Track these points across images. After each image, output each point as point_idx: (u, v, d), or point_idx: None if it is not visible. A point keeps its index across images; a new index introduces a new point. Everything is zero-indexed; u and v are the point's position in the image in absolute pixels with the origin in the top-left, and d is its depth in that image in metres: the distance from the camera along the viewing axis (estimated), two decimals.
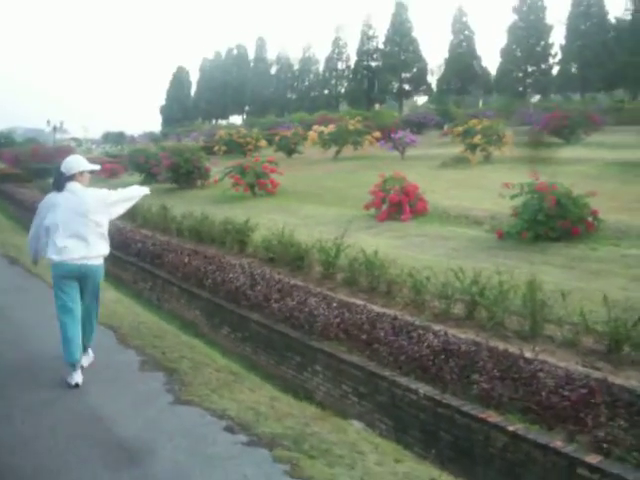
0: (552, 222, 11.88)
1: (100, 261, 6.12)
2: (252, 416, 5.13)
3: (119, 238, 14.49)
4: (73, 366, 5.85)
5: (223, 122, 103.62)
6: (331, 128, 31.28)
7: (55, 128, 41.16)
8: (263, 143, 38.02)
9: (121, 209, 6.61)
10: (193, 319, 10.38)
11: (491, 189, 18.36)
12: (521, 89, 70.07)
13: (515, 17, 69.98)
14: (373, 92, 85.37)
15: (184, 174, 24.14)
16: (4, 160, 47.11)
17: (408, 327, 7.42)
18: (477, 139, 23.30)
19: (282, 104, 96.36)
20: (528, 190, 12.45)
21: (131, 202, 6.79)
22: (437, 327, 7.56)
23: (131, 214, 18.80)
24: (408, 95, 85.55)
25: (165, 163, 24.63)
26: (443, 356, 6.49)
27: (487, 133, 23.69)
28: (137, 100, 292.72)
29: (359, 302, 8.93)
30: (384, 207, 15.24)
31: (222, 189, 22.28)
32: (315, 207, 17.75)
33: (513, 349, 6.54)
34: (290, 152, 32.95)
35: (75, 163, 6.16)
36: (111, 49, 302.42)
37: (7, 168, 41.17)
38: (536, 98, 69.60)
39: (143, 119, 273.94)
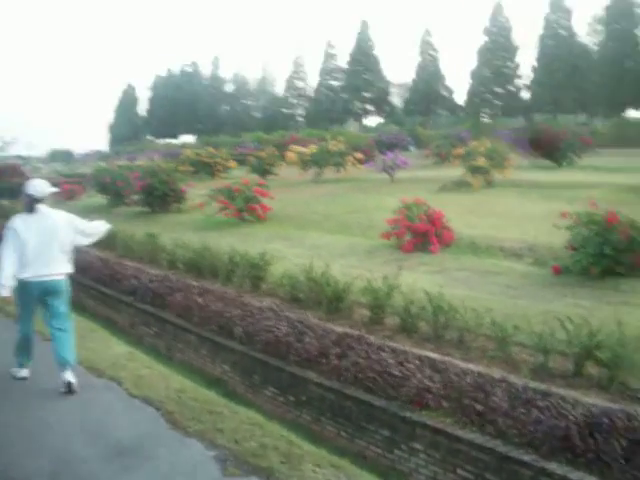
0: (620, 256, 10.66)
1: (64, 277, 6.74)
2: None
3: (105, 272, 12.93)
4: (25, 365, 6.89)
5: (174, 141, 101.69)
6: (312, 148, 29.96)
7: (6, 144, 38.80)
8: (232, 164, 36.63)
9: (85, 241, 7.20)
10: (220, 375, 8.80)
11: (509, 216, 17.33)
12: (487, 111, 70.15)
13: (485, 38, 70.17)
14: (334, 112, 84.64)
15: (159, 197, 22.41)
16: None
17: (528, 393, 6.08)
18: (481, 161, 22.19)
19: (237, 123, 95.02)
20: (587, 220, 11.21)
21: (94, 238, 7.40)
22: (565, 392, 6.23)
23: (109, 242, 17.10)
24: (367, 115, 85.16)
25: (138, 184, 22.87)
26: (593, 432, 5.21)
27: (491, 155, 22.62)
28: (82, 118, 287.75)
29: (436, 356, 7.55)
30: (407, 237, 13.87)
31: (203, 214, 20.71)
32: (320, 235, 16.29)
33: None
34: (264, 173, 31.48)
35: (44, 186, 6.74)
36: (55, 64, 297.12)
37: None
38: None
39: (89, 137, 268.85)
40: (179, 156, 44.36)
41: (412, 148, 51.99)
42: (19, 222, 6.53)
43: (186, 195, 23.41)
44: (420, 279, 10.93)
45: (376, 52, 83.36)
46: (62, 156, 79.16)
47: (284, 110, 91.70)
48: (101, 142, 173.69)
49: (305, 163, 29.99)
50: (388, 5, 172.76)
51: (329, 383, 7.10)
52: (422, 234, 13.59)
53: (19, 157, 70.18)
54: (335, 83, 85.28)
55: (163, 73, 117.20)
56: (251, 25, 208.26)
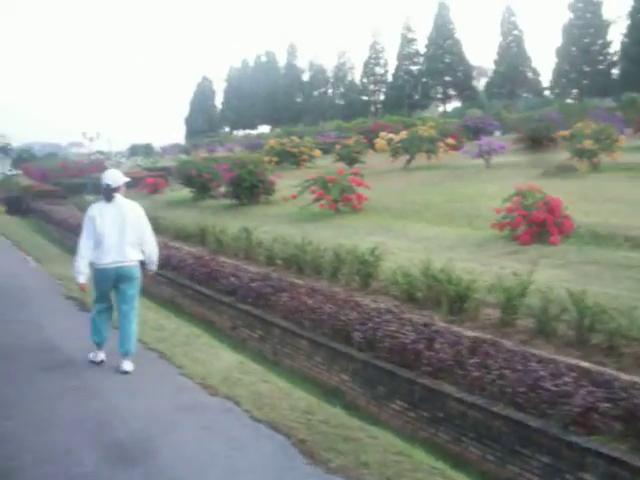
0: None
1: (136, 263, 7.07)
2: None
3: (201, 270, 12.39)
4: (98, 345, 7.14)
5: (252, 132, 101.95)
6: (402, 134, 29.04)
7: (92, 139, 39.21)
8: (317, 153, 36.07)
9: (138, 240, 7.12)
10: (338, 385, 8.08)
11: (627, 202, 16.07)
12: (576, 91, 67.48)
13: (570, 15, 67.43)
14: (414, 98, 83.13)
15: (247, 188, 21.89)
16: (31, 176, 45.60)
17: None
18: (588, 144, 20.85)
19: (315, 112, 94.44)
20: None
21: (143, 246, 7.18)
22: None
23: (200, 236, 16.68)
24: (449, 100, 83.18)
25: (226, 176, 22.41)
26: None
27: (599, 137, 21.26)
28: (159, 111, 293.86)
29: (589, 366, 6.66)
30: (523, 227, 12.88)
31: (294, 205, 20.10)
32: (424, 226, 15.42)
33: None
34: (352, 162, 30.72)
35: (119, 176, 7.18)
36: (130, 59, 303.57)
37: (38, 185, 39.40)
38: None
39: (166, 131, 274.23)
40: (260, 147, 44.18)
41: (497, 133, 50.37)
42: (96, 210, 6.95)
43: (275, 186, 22.84)
44: (544, 274, 9.99)
45: (456, 35, 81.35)
46: (142, 150, 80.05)
47: (363, 97, 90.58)
48: (177, 135, 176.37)
49: (395, 150, 29.11)
50: None
51: (472, 399, 6.27)
52: (540, 224, 12.58)
53: (100, 152, 71.60)
54: (415, 68, 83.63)
55: (238, 64, 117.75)
56: (326, 11, 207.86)
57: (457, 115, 70.64)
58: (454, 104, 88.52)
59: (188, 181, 26.15)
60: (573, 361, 6.83)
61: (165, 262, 13.80)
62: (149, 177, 33.11)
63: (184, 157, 54.52)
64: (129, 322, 7.06)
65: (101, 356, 7.16)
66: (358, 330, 7.99)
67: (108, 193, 6.92)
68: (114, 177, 7.09)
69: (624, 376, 6.37)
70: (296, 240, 13.30)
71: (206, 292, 11.64)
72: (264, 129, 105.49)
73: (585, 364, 6.76)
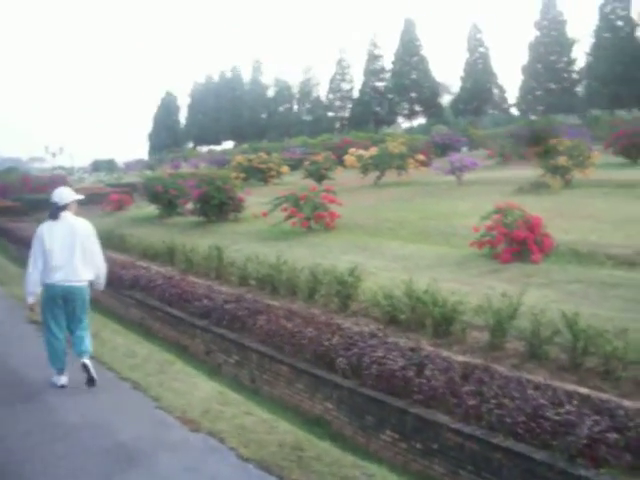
0: None
1: (86, 283, 7.16)
2: None
3: (172, 291, 11.97)
4: (61, 370, 7.08)
5: (216, 148, 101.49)
6: (372, 151, 28.87)
7: (54, 154, 38.48)
8: (285, 169, 35.78)
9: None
10: (322, 414, 7.69)
11: (604, 219, 15.99)
12: (542, 107, 68.20)
13: (537, 33, 68.29)
14: (380, 114, 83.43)
15: (215, 205, 21.45)
16: None
17: None
18: (563, 161, 20.80)
19: (280, 128, 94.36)
20: None
21: (92, 265, 7.22)
22: None
23: (168, 255, 16.23)
24: (415, 116, 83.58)
25: (194, 193, 21.94)
26: None
27: (572, 154, 21.24)
28: (122, 127, 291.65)
29: (588, 392, 6.40)
30: (503, 245, 12.67)
31: (264, 223, 19.72)
32: (399, 244, 15.14)
33: None
34: (321, 178, 30.48)
35: (68, 194, 7.22)
36: (93, 74, 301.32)
37: None
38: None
39: (129, 146, 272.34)
40: (226, 163, 43.78)
41: (464, 149, 50.54)
42: (45, 229, 7.05)
43: (244, 203, 22.43)
44: (530, 294, 9.73)
45: (423, 52, 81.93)
46: (105, 166, 79.16)
47: (328, 113, 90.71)
48: (141, 151, 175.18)
49: (365, 167, 28.93)
50: (432, 2, 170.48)
51: (469, 429, 5.95)
52: (520, 242, 12.38)
53: (62, 168, 70.42)
54: (381, 84, 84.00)
55: (202, 79, 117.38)
56: (291, 28, 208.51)
57: (423, 131, 70.81)
58: (419, 120, 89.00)
59: (154, 198, 25.60)
60: (570, 387, 6.57)
61: (133, 283, 13.35)
62: (113, 194, 32.50)
63: (149, 173, 53.88)
64: (82, 337, 7.20)
65: (63, 380, 7.14)
66: (342, 356, 7.64)
67: (55, 211, 7.05)
68: (62, 195, 7.20)
69: (626, 402, 6.12)
70: (269, 259, 12.96)
71: (178, 314, 11.18)
72: (228, 145, 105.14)
73: (584, 390, 6.50)
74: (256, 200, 23.46)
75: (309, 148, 59.47)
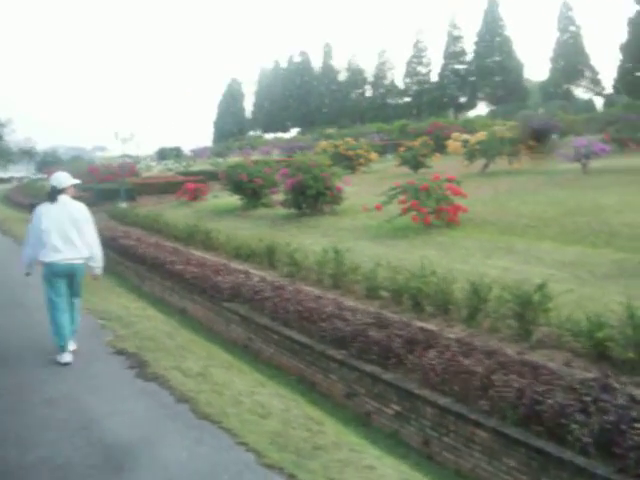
0: None
1: (82, 261, 7.53)
2: None
3: (287, 306, 9.68)
4: (62, 348, 7.45)
5: (285, 135, 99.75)
6: (480, 136, 26.24)
7: (124, 140, 36.85)
8: (373, 156, 33.37)
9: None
10: None
11: None
12: None
13: (637, 7, 63.99)
14: (460, 98, 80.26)
15: (311, 196, 19.17)
16: None
17: None
18: None
19: (354, 114, 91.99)
20: None
21: (87, 246, 7.53)
22: None
23: (267, 256, 14.03)
24: (501, 100, 79.87)
25: (288, 182, 19.67)
26: None
27: None
28: (185, 114, 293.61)
29: None
30: None
31: (370, 217, 17.36)
32: (553, 246, 12.47)
33: None
34: (417, 166, 27.95)
35: (65, 178, 7.67)
36: (156, 62, 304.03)
37: None
38: None
39: (192, 134, 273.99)
40: (299, 150, 41.81)
41: (554, 135, 47.20)
42: (43, 210, 7.46)
43: (343, 194, 20.08)
44: None
45: (507, 32, 78.35)
46: (171, 153, 77.93)
47: (405, 99, 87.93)
48: (204, 138, 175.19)
49: (472, 153, 26.29)
50: None
51: None
52: None
53: (128, 156, 69.49)
54: (461, 67, 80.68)
55: (270, 65, 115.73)
56: (364, 9, 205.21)
57: (506, 116, 67.39)
58: (501, 105, 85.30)
59: (237, 187, 23.45)
60: None
61: (233, 292, 11.12)
62: (188, 182, 30.56)
63: (220, 160, 52.17)
64: (74, 311, 7.75)
65: (67, 358, 7.43)
66: (578, 422, 5.23)
67: (53, 194, 7.49)
68: (60, 179, 7.61)
69: None
70: (389, 261, 10.75)
71: (301, 340, 8.87)
72: (293, 132, 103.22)
73: None
74: (351, 190, 21.14)
75: (385, 134, 57.07)
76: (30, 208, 33.18)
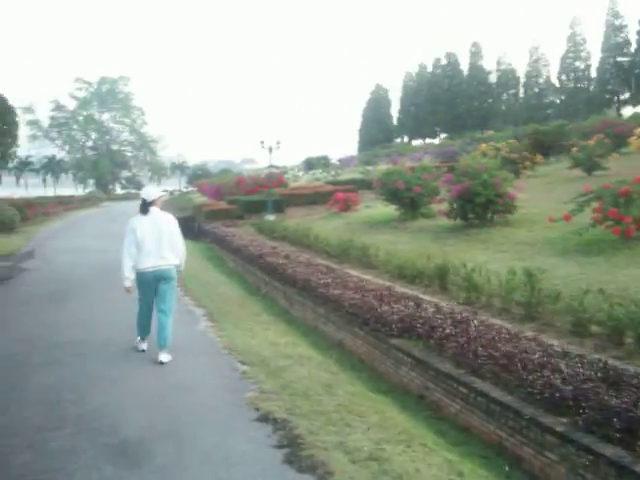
0: None
1: (172, 266, 8.22)
2: None
3: (476, 348, 7.56)
4: (143, 339, 8.57)
5: (434, 141, 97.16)
6: None
7: (271, 149, 35.89)
8: (539, 158, 30.75)
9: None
10: None
11: None
12: None
13: None
14: (624, 94, 75.01)
15: (481, 205, 16.94)
16: (205, 193, 43.37)
17: None
18: None
19: (506, 117, 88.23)
20: None
21: (176, 251, 8.29)
22: None
23: (438, 278, 11.99)
24: None
25: (454, 189, 17.49)
26: None
27: None
28: (330, 124, 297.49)
29: None
30: None
31: (551, 228, 14.97)
32: None
33: None
34: (592, 168, 25.03)
35: (154, 191, 8.54)
36: (302, 72, 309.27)
37: (211, 203, 36.53)
38: None
39: (336, 143, 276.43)
40: (454, 155, 39.71)
41: None
42: (136, 222, 8.14)
43: (515, 201, 17.68)
44: None
45: None
46: (318, 163, 77.16)
47: (561, 97, 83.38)
48: (349, 147, 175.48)
49: None
50: None
51: None
52: None
53: (274, 166, 69.38)
54: (625, 59, 75.29)
55: (414, 69, 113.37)
56: (513, 4, 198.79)
57: None
58: None
59: (393, 196, 21.52)
60: None
61: (404, 327, 9.09)
62: (338, 192, 29.06)
63: (369, 168, 50.65)
64: (166, 317, 8.18)
65: (143, 345, 8.54)
66: None
67: (144, 206, 8.19)
68: (149, 192, 8.40)
69: None
70: (589, 284, 8.44)
71: (499, 399, 6.67)
72: (441, 138, 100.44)
73: None
74: (520, 197, 18.72)
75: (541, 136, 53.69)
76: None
